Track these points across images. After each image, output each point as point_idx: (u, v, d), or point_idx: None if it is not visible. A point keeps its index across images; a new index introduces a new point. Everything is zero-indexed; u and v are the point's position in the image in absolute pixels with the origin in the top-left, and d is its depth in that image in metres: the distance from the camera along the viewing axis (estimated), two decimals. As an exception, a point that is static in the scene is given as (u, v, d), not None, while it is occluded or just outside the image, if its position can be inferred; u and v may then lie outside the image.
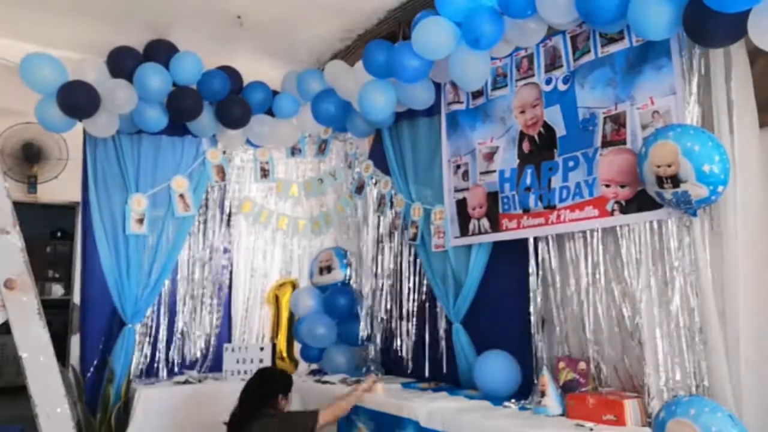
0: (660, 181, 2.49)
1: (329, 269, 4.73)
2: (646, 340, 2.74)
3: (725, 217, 2.54)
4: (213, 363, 4.72)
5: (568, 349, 3.20)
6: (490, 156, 3.59)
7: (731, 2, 2.22)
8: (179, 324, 4.66)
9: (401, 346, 4.28)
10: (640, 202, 2.78)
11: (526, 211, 3.33)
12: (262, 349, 4.54)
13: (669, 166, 2.44)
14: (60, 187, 5.96)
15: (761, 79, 2.56)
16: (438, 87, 3.85)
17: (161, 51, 4.15)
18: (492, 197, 3.54)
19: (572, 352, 3.17)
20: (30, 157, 5.90)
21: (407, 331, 4.24)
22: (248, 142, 4.78)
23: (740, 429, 2.15)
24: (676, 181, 2.44)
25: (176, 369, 4.59)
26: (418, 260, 4.18)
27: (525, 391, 3.30)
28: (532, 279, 3.35)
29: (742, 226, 2.50)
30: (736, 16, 2.27)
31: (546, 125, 3.27)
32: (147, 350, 4.51)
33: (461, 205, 3.75)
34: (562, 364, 3.11)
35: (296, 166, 5.19)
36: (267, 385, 3.33)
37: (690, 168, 2.39)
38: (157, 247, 4.53)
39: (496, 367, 3.40)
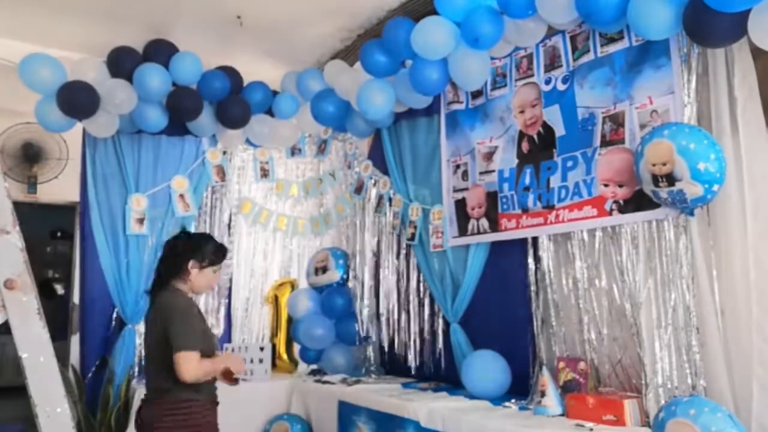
0: (655, 179, 2.49)
1: (324, 270, 4.73)
2: (645, 340, 2.74)
3: (730, 214, 2.53)
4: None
5: (567, 349, 3.20)
6: (489, 156, 3.59)
7: (731, 2, 2.22)
8: (179, 324, 4.66)
9: (400, 345, 4.28)
10: (638, 201, 2.78)
11: (525, 210, 3.33)
12: (262, 349, 4.54)
13: (664, 164, 2.44)
14: (60, 187, 5.96)
15: (764, 78, 2.56)
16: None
17: (161, 51, 4.15)
18: (491, 197, 3.54)
19: (572, 352, 3.17)
20: (30, 157, 5.90)
21: (406, 330, 4.24)
22: (248, 142, 4.78)
23: (740, 429, 2.15)
24: (671, 179, 2.44)
25: (176, 369, 4.58)
26: (416, 260, 4.18)
27: (521, 390, 3.31)
28: (531, 279, 3.36)
29: (750, 223, 2.47)
30: (736, 16, 2.28)
31: (545, 125, 3.27)
32: (147, 350, 4.51)
33: (460, 205, 3.75)
34: (562, 364, 3.11)
35: (296, 166, 5.19)
36: (173, 251, 2.80)
37: (685, 166, 2.39)
38: (157, 247, 4.52)
39: (482, 369, 3.41)
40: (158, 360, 2.63)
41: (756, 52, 2.51)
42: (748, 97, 2.51)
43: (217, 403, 2.78)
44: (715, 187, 2.41)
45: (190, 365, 2.52)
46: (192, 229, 4.69)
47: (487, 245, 3.64)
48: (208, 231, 4.79)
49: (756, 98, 2.52)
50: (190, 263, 2.74)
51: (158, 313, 2.68)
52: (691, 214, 2.56)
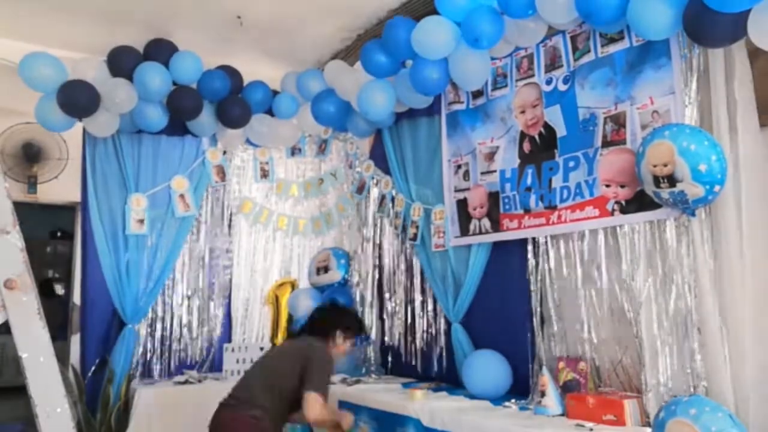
0: (657, 180, 2.49)
1: (326, 269, 4.72)
2: (645, 340, 2.74)
3: (726, 216, 2.54)
4: (213, 363, 4.72)
5: (567, 349, 3.20)
6: (490, 156, 3.59)
7: (731, 2, 2.22)
8: (179, 324, 4.66)
9: (401, 345, 4.28)
10: (640, 202, 2.78)
11: (527, 211, 3.33)
12: (262, 349, 4.54)
13: (665, 165, 2.45)
14: (60, 187, 5.95)
15: (761, 80, 2.56)
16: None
17: (161, 50, 4.15)
18: (493, 197, 3.54)
19: (572, 352, 3.17)
20: (30, 157, 5.89)
21: (407, 330, 4.24)
22: (248, 141, 4.78)
23: (740, 429, 2.15)
24: (672, 180, 2.44)
25: (176, 369, 4.58)
26: (418, 260, 4.18)
27: (521, 390, 3.31)
28: (532, 279, 3.35)
29: (746, 225, 2.49)
30: (736, 16, 2.28)
31: (546, 125, 3.27)
32: (147, 350, 4.51)
33: (462, 205, 3.75)
34: (562, 364, 3.11)
35: (296, 166, 5.19)
36: (333, 314, 3.28)
37: (686, 167, 2.39)
38: (157, 247, 4.53)
39: (483, 369, 3.42)
40: (273, 384, 2.92)
41: (753, 54, 2.51)
42: (744, 97, 2.52)
43: None
44: (716, 188, 2.41)
45: (317, 406, 2.82)
46: (192, 230, 4.70)
47: (488, 245, 3.64)
48: (208, 230, 4.80)
49: (751, 99, 2.53)
50: (338, 332, 3.18)
51: (303, 350, 3.00)
52: (693, 214, 2.56)
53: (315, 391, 2.82)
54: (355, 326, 3.30)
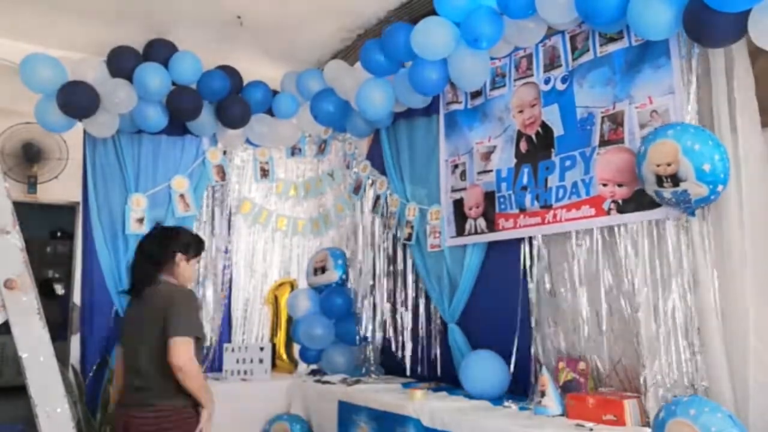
0: (659, 180, 2.49)
1: (323, 270, 4.72)
2: (645, 340, 2.74)
3: (728, 216, 2.53)
4: (213, 363, 4.72)
5: (567, 349, 3.20)
6: (487, 155, 3.59)
7: (731, 2, 2.22)
8: (179, 324, 4.65)
9: (399, 346, 4.28)
10: (637, 201, 2.78)
11: (523, 210, 3.32)
12: (262, 349, 4.54)
13: (669, 164, 2.44)
14: (60, 187, 5.95)
15: (763, 79, 2.56)
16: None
17: (161, 51, 4.15)
18: (489, 197, 3.54)
19: (572, 352, 3.17)
20: (30, 157, 5.89)
21: (406, 330, 4.24)
22: (248, 141, 4.78)
23: (740, 429, 2.15)
24: (675, 180, 2.44)
25: (176, 369, 4.57)
26: (413, 260, 4.18)
27: (519, 390, 3.31)
28: (529, 278, 3.35)
29: (748, 224, 2.49)
30: (736, 16, 2.28)
31: (544, 125, 3.27)
32: (147, 350, 4.51)
33: (458, 205, 3.75)
34: (562, 364, 3.11)
35: (296, 166, 5.19)
36: (165, 238, 2.83)
37: (690, 167, 2.39)
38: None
39: (481, 369, 3.41)
40: (162, 359, 2.54)
41: (754, 54, 2.51)
42: (745, 97, 2.52)
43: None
44: (719, 188, 2.41)
45: (184, 349, 2.49)
46: (193, 229, 4.69)
47: (484, 245, 3.64)
48: (207, 231, 4.79)
49: (753, 98, 2.53)
50: (178, 256, 2.77)
51: (159, 306, 2.60)
52: (692, 214, 2.56)
53: (182, 335, 2.51)
54: (193, 242, 2.90)
